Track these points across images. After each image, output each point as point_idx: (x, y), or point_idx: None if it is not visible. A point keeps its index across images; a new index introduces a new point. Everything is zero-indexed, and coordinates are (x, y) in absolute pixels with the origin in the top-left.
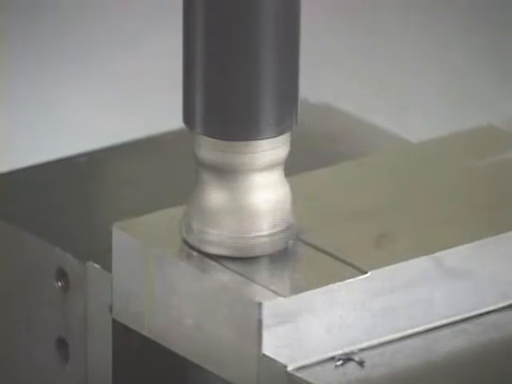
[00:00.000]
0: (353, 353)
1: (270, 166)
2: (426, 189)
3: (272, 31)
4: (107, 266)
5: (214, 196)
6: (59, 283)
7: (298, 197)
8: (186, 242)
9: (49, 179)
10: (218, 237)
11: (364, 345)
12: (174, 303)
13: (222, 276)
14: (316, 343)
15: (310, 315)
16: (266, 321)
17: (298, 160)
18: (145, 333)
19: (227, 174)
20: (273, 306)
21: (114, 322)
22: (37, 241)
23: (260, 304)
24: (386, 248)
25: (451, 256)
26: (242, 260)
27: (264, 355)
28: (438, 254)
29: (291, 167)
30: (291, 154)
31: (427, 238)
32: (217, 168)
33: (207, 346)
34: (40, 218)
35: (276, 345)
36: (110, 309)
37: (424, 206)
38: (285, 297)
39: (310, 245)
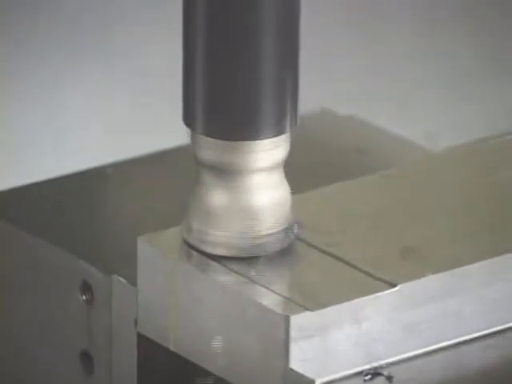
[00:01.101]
0: (381, 367)
1: (270, 166)
2: (451, 201)
3: (272, 31)
4: (132, 279)
5: (214, 196)
6: (84, 296)
7: (323, 210)
8: (186, 242)
9: (73, 191)
10: (218, 237)
11: (392, 359)
12: (200, 317)
13: (249, 290)
14: (344, 357)
15: (337, 329)
16: (293, 334)
17: (324, 171)
18: (170, 346)
19: (227, 174)
20: (300, 320)
21: (139, 335)
22: (61, 254)
23: (287, 317)
24: (413, 261)
25: (479, 269)
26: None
27: (291, 369)
28: (466, 267)
29: (316, 179)
30: (316, 165)
31: (454, 251)
32: (217, 168)
33: (233, 360)
34: (64, 230)
35: (303, 359)
36: (135, 322)
37: (449, 219)
38: (312, 310)
39: (337, 258)
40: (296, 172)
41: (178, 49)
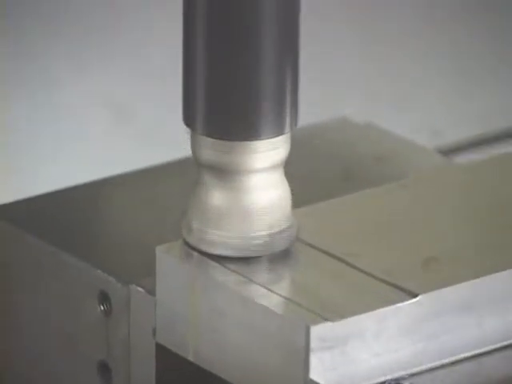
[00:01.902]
0: (402, 378)
1: (270, 167)
2: (470, 211)
3: (272, 32)
4: (150, 288)
5: (214, 196)
6: (102, 307)
7: (342, 219)
8: (186, 242)
9: (89, 200)
10: (218, 237)
11: (414, 370)
12: (219, 327)
13: (268, 300)
14: (364, 368)
15: (358, 339)
16: (313, 345)
17: (342, 180)
18: (189, 357)
19: (227, 174)
20: (321, 331)
21: (158, 345)
22: (79, 264)
23: (308, 328)
24: (434, 271)
25: (500, 279)
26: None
27: (311, 380)
28: (487, 278)
29: (335, 187)
30: (335, 173)
31: (475, 261)
32: (217, 168)
33: (253, 371)
34: (81, 240)
35: (323, 369)
36: (154, 332)
37: (470, 229)
38: (333, 321)
39: (357, 268)
40: (314, 180)
41: (179, 48)
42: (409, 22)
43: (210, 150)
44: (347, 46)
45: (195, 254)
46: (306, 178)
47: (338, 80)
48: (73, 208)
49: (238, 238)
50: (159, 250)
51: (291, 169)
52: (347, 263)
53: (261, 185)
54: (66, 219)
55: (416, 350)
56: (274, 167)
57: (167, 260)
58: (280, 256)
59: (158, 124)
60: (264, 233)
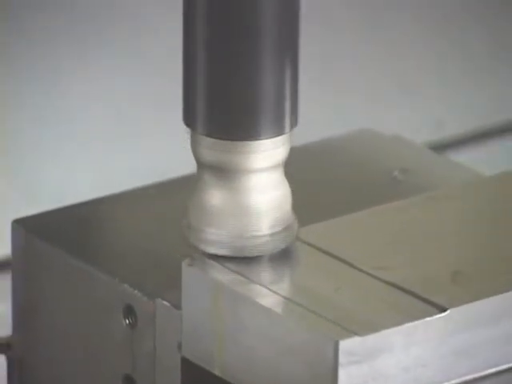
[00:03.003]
0: None
1: (271, 166)
2: (500, 224)
3: (272, 32)
4: (176, 302)
5: (214, 196)
6: (127, 320)
7: (369, 232)
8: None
9: (112, 213)
10: (218, 237)
11: None
12: (246, 341)
13: (296, 314)
14: (393, 383)
15: (386, 354)
16: (341, 360)
17: (368, 192)
18: (215, 371)
19: (227, 173)
20: (349, 345)
21: (183, 359)
22: (105, 277)
23: (336, 342)
24: (462, 285)
25: None
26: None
27: None
28: None
29: (361, 199)
30: (360, 186)
31: (503, 275)
32: (217, 168)
33: None
34: (107, 253)
35: None
36: (179, 346)
37: (499, 242)
38: (362, 335)
39: (385, 281)
40: (341, 192)
41: (177, 50)
42: (418, 10)
43: (210, 149)
44: (348, 42)
45: (221, 267)
46: (332, 189)
47: (339, 74)
48: (97, 221)
49: (238, 237)
50: (185, 264)
51: (317, 179)
52: (375, 276)
53: (261, 185)
54: (90, 232)
55: (444, 364)
56: (274, 167)
57: (193, 274)
58: (306, 268)
59: (158, 123)
60: (264, 233)
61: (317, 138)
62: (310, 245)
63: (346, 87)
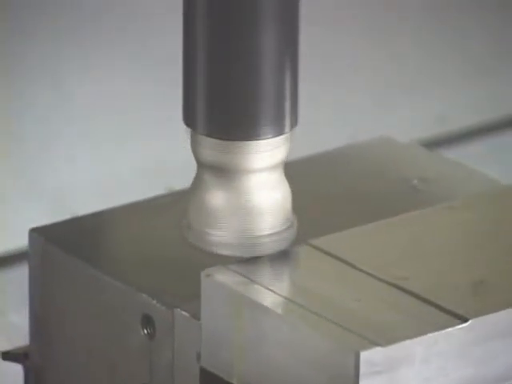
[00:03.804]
0: None
1: (271, 166)
2: None
3: (272, 31)
4: (194, 312)
5: (214, 196)
6: (145, 330)
7: (388, 242)
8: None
9: (132, 222)
10: (218, 237)
11: None
12: (265, 351)
13: (317, 325)
14: None
15: (407, 364)
16: (363, 370)
17: (386, 201)
18: (234, 381)
19: (227, 173)
20: (370, 355)
21: (202, 369)
22: (123, 287)
23: (357, 353)
24: (483, 295)
25: None
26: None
27: None
28: None
29: (379, 208)
30: (378, 194)
31: None
32: (217, 168)
33: None
34: (125, 263)
35: None
36: (198, 356)
37: None
38: (383, 346)
39: (405, 291)
40: (359, 202)
41: (177, 50)
42: (418, 7)
43: (210, 149)
44: (348, 42)
45: (241, 278)
46: (350, 197)
47: (339, 73)
48: (115, 230)
49: (238, 237)
50: (204, 274)
51: (335, 188)
52: (395, 286)
53: (261, 185)
54: (108, 241)
55: (465, 375)
56: (274, 167)
57: (212, 284)
58: (326, 278)
59: (158, 123)
60: (264, 233)
61: (317, 138)
62: (329, 255)
63: (346, 87)
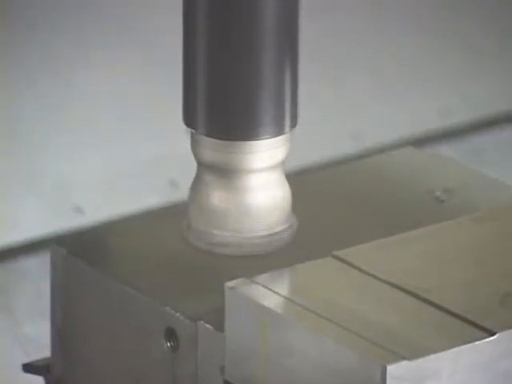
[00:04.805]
0: None
1: (271, 166)
2: None
3: (272, 31)
4: (218, 325)
5: (214, 196)
6: (168, 343)
7: (413, 254)
8: (186, 242)
9: (153, 232)
10: (218, 237)
11: None
12: (290, 365)
13: (343, 338)
14: None
15: (434, 378)
16: None
17: (409, 212)
18: None
19: (227, 173)
20: (397, 370)
21: (226, 382)
22: (146, 300)
23: (384, 367)
24: (511, 308)
25: None
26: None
27: None
28: None
29: (402, 219)
30: (402, 205)
31: None
32: (217, 168)
33: None
34: (147, 275)
35: None
36: (222, 369)
37: None
38: (410, 360)
39: (431, 303)
40: (381, 213)
41: (177, 50)
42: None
43: (210, 149)
44: (348, 42)
45: (265, 290)
46: (372, 210)
47: (339, 73)
48: (137, 240)
49: (238, 237)
50: (228, 287)
51: (358, 200)
52: (421, 299)
53: (261, 185)
54: (130, 252)
55: None
56: (274, 167)
57: (236, 296)
58: (350, 290)
59: (158, 123)
60: (264, 233)
61: (317, 138)
62: (353, 267)
63: (346, 87)
